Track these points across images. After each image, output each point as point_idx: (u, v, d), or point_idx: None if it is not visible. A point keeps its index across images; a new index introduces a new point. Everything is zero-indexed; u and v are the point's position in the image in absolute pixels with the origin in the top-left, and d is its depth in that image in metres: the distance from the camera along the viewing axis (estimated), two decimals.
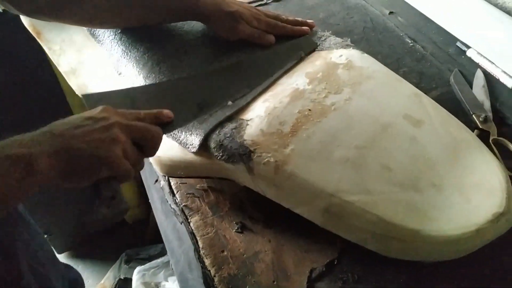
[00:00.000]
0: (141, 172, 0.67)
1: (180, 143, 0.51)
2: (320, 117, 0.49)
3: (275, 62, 0.58)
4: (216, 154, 0.48)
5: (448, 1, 0.76)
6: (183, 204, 0.54)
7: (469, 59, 0.70)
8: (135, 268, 1.14)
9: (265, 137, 0.47)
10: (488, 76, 0.67)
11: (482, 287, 0.45)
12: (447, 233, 0.41)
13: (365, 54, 0.59)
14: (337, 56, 0.57)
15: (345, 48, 0.59)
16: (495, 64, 0.67)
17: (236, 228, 0.51)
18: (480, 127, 0.57)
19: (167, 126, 0.48)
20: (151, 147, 0.45)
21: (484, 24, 0.71)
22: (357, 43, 0.71)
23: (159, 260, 1.14)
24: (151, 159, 0.55)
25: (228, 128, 0.49)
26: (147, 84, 0.56)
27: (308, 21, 0.65)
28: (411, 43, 0.73)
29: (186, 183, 0.56)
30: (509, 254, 0.47)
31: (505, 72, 0.66)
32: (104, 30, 0.64)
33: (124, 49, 0.61)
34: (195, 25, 0.64)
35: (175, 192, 0.55)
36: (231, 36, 0.60)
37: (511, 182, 0.46)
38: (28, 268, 0.64)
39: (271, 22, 0.62)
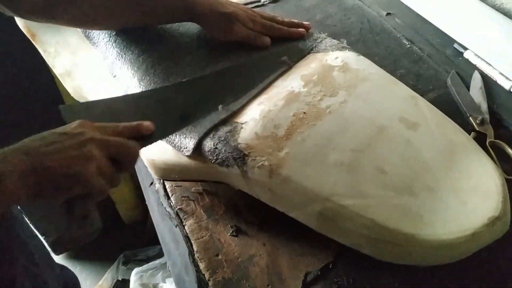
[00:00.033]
0: (138, 173, 0.67)
1: (174, 147, 0.51)
2: (315, 120, 0.49)
3: (262, 69, 0.57)
4: (210, 157, 0.48)
5: (445, 2, 0.76)
6: (178, 207, 0.53)
7: (467, 60, 0.70)
8: (133, 269, 1.14)
9: (260, 140, 0.47)
10: (485, 78, 0.66)
11: None
12: (442, 237, 0.41)
13: (361, 56, 0.58)
14: (332, 58, 0.57)
15: (341, 50, 0.59)
16: (492, 66, 0.67)
17: (231, 231, 0.50)
18: (477, 129, 0.57)
19: (148, 138, 0.47)
20: (128, 163, 0.44)
21: (482, 26, 0.70)
22: (354, 45, 0.71)
23: (157, 262, 1.14)
24: (145, 162, 0.55)
25: (223, 131, 0.49)
26: (128, 94, 0.54)
27: (304, 23, 0.65)
28: (408, 44, 0.73)
29: (181, 186, 0.56)
30: (506, 258, 0.47)
31: (502, 74, 0.65)
32: (99, 32, 0.63)
33: (118, 51, 0.60)
34: (190, 27, 0.64)
35: (170, 195, 0.55)
36: (226, 37, 0.60)
37: (507, 185, 0.45)
38: (23, 269, 0.64)
39: (266, 23, 0.62)
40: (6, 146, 0.38)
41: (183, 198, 0.54)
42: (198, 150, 0.49)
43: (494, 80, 0.66)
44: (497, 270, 0.46)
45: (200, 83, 0.56)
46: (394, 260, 0.44)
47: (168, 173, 0.54)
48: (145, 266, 1.12)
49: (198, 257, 0.49)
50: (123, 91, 0.58)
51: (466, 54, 0.70)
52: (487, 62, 0.67)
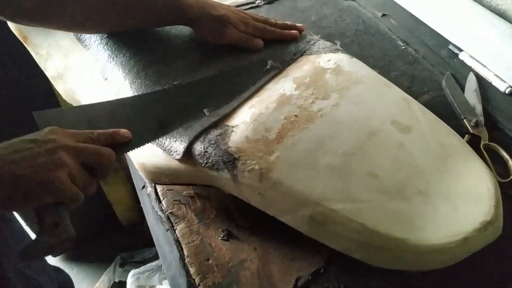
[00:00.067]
0: (132, 175, 0.66)
1: (164, 150, 0.50)
2: (306, 123, 0.48)
3: (254, 72, 0.57)
4: (200, 161, 0.47)
5: (441, 3, 0.75)
6: (169, 211, 0.53)
7: (462, 62, 0.69)
8: (129, 271, 1.14)
9: (250, 144, 0.47)
10: (480, 79, 0.66)
11: None
12: (434, 242, 0.41)
13: (354, 59, 0.58)
14: (325, 60, 0.57)
15: (334, 52, 0.59)
16: (487, 68, 0.66)
17: (222, 235, 0.50)
18: (471, 131, 0.56)
19: (124, 146, 0.46)
20: (103, 170, 0.43)
21: (477, 27, 0.70)
22: (349, 46, 0.71)
23: (153, 263, 1.14)
24: (136, 165, 0.54)
25: (213, 134, 0.48)
26: (106, 101, 0.53)
27: (298, 25, 0.64)
28: (403, 46, 0.73)
29: (172, 189, 0.55)
30: (498, 263, 0.46)
31: (497, 76, 0.65)
32: (90, 34, 0.63)
33: (110, 54, 0.60)
34: (182, 29, 0.63)
35: (161, 198, 0.55)
36: (218, 40, 0.60)
37: (501, 189, 0.45)
38: (15, 272, 0.63)
39: (259, 26, 0.61)
40: None
41: (174, 201, 0.54)
42: (188, 154, 0.48)
43: (489, 82, 0.66)
44: (489, 275, 0.46)
45: (182, 90, 0.54)
46: (385, 265, 0.43)
47: (158, 176, 0.53)
48: (141, 268, 1.12)
49: (188, 262, 0.48)
50: (115, 93, 0.57)
51: (461, 56, 0.70)
52: (482, 64, 0.67)
